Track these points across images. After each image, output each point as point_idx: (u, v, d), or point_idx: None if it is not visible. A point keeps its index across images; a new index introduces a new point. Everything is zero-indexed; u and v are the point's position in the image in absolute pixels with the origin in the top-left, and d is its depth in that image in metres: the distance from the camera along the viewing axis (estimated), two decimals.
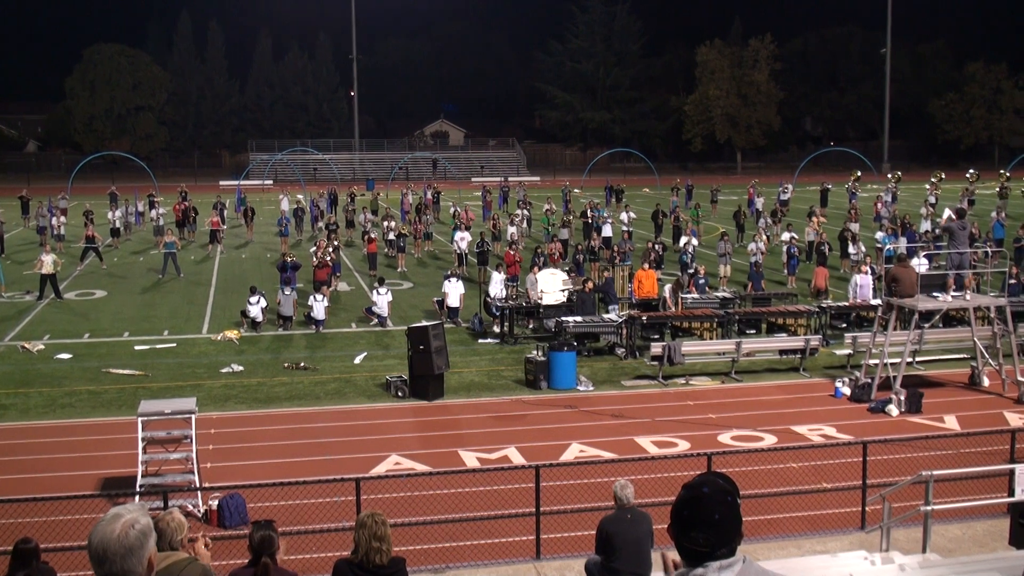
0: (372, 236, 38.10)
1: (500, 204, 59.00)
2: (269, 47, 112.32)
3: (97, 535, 3.68)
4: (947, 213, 28.54)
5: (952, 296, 21.75)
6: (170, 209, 49.71)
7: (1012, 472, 12.98)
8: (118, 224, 47.05)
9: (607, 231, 41.60)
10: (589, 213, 44.64)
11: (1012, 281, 28.38)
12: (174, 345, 26.89)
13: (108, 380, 23.19)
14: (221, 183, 78.14)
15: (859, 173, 59.42)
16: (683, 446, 18.40)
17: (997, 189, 59.12)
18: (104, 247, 42.14)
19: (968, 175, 61.62)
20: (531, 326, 27.64)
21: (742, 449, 17.78)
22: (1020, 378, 21.30)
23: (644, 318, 25.53)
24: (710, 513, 3.62)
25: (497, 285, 28.91)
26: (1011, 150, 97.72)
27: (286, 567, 9.51)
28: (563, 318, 25.47)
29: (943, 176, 60.03)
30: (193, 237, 47.52)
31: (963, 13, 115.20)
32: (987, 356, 22.08)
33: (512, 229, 41.35)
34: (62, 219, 46.03)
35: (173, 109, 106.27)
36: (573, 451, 18.20)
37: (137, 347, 26.56)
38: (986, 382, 22.31)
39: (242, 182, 69.70)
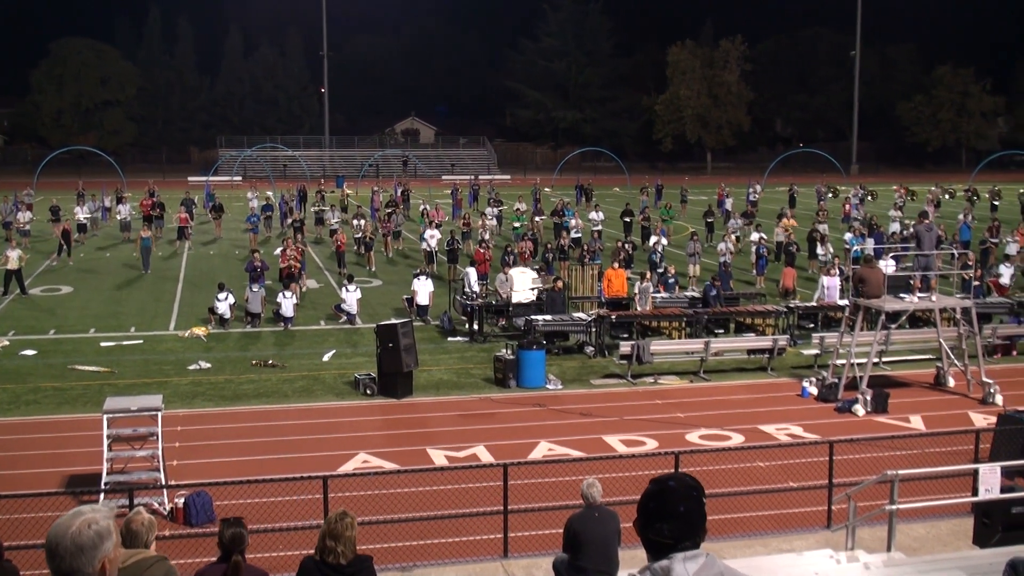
0: (340, 234, 37.95)
1: (470, 202, 58.98)
2: (239, 42, 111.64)
3: (53, 530, 3.63)
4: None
5: (918, 297, 21.93)
6: (137, 205, 49.36)
7: (976, 472, 13.09)
8: (84, 220, 46.59)
9: (576, 232, 41.70)
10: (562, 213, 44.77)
11: (976, 283, 28.66)
12: (141, 342, 26.70)
13: (74, 377, 22.99)
14: (190, 179, 77.53)
15: (830, 196, 60.04)
16: (651, 445, 18.45)
17: (964, 191, 59.77)
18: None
19: (946, 189, 62.58)
20: (500, 324, 27.63)
21: (710, 448, 17.85)
22: (985, 379, 21.50)
23: (613, 317, 25.59)
24: (675, 505, 3.71)
25: (474, 280, 28.97)
26: (978, 153, 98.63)
27: (253, 565, 9.45)
28: (533, 317, 25.49)
29: (914, 195, 60.57)
30: (161, 233, 47.18)
31: (932, 17, 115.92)
32: (952, 357, 22.28)
33: (484, 227, 41.41)
34: (28, 214, 45.55)
35: (141, 104, 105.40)
36: (541, 449, 18.21)
37: (103, 344, 26.35)
38: (951, 383, 22.50)
39: (211, 178, 69.24)
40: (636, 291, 27.71)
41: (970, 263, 28.37)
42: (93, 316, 29.87)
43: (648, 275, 28.69)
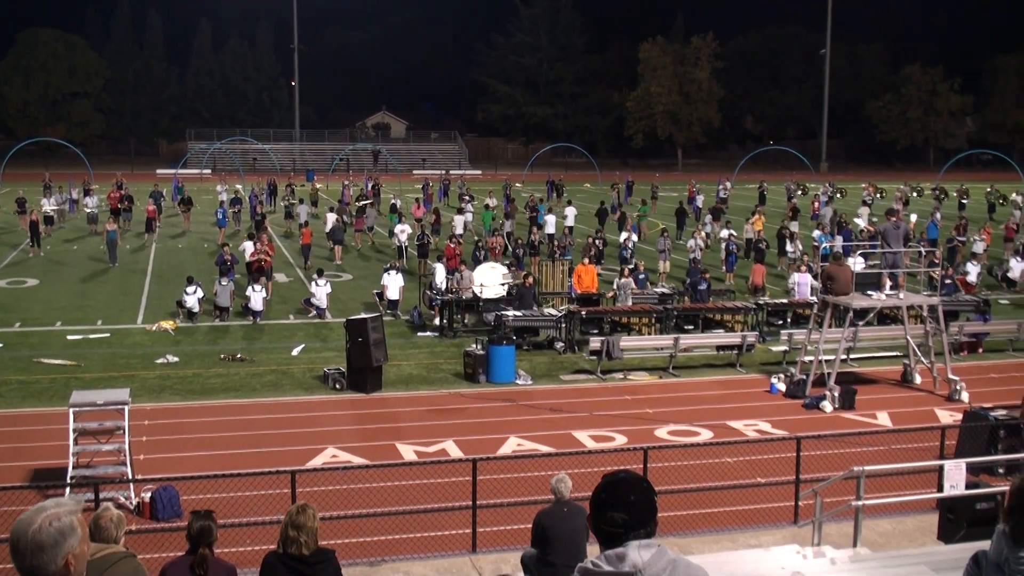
0: (307, 226, 37.83)
1: (440, 197, 58.90)
2: (209, 34, 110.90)
3: (15, 526, 3.54)
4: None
5: (886, 295, 22.07)
6: (105, 197, 48.96)
7: (941, 468, 13.19)
8: (51, 212, 46.18)
9: (550, 228, 41.77)
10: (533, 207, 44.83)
11: (948, 281, 28.90)
12: (108, 335, 26.48)
13: (39, 370, 22.77)
14: (158, 172, 77.03)
15: (800, 194, 60.53)
16: (620, 440, 18.48)
17: (932, 189, 60.17)
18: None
19: (914, 187, 63.15)
20: (466, 319, 27.57)
21: (678, 443, 17.91)
22: (951, 376, 21.69)
23: (583, 313, 25.61)
24: (626, 494, 3.88)
25: (441, 277, 28.90)
26: (945, 152, 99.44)
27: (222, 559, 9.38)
28: (503, 312, 25.47)
29: (883, 193, 61.11)
30: (129, 226, 46.81)
31: (901, 16, 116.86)
32: (919, 354, 22.44)
33: (459, 221, 41.42)
34: None
35: (110, 96, 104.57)
36: (511, 445, 18.21)
37: (70, 337, 26.12)
38: (918, 380, 22.67)
39: (180, 171, 68.78)
40: (615, 287, 27.76)
41: (936, 261, 28.58)
42: (59, 309, 29.60)
43: (626, 271, 28.73)
